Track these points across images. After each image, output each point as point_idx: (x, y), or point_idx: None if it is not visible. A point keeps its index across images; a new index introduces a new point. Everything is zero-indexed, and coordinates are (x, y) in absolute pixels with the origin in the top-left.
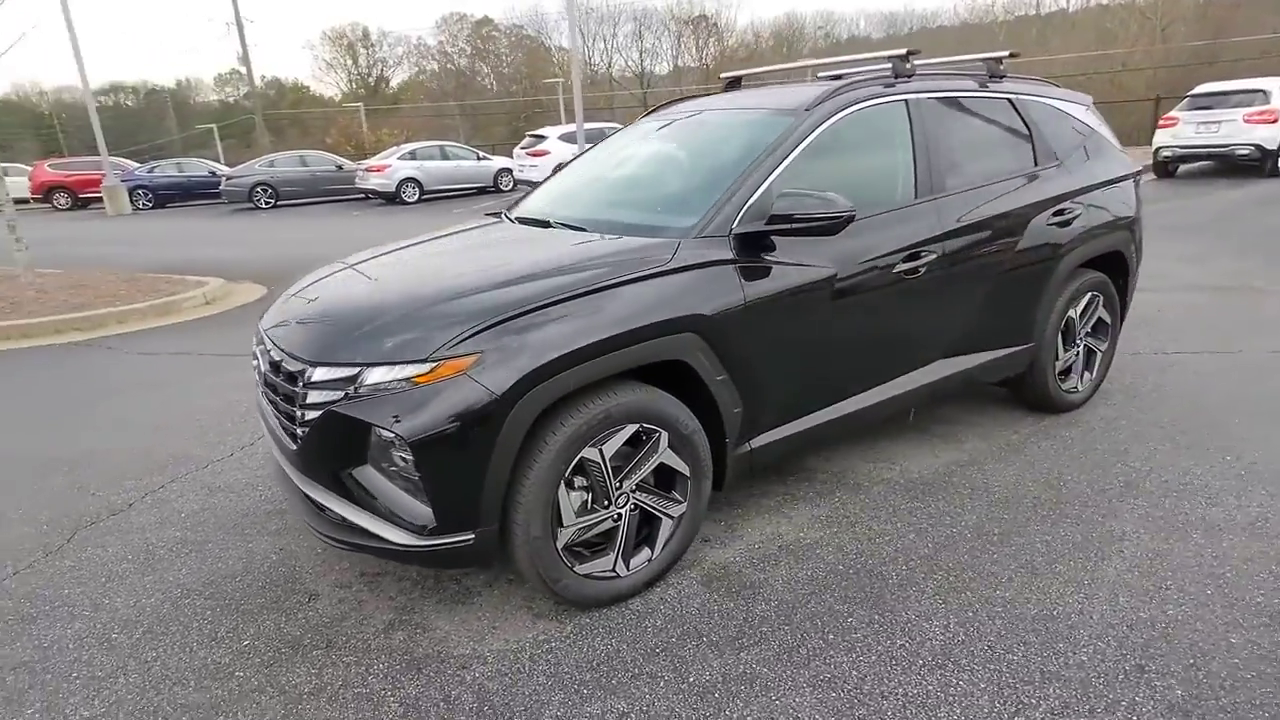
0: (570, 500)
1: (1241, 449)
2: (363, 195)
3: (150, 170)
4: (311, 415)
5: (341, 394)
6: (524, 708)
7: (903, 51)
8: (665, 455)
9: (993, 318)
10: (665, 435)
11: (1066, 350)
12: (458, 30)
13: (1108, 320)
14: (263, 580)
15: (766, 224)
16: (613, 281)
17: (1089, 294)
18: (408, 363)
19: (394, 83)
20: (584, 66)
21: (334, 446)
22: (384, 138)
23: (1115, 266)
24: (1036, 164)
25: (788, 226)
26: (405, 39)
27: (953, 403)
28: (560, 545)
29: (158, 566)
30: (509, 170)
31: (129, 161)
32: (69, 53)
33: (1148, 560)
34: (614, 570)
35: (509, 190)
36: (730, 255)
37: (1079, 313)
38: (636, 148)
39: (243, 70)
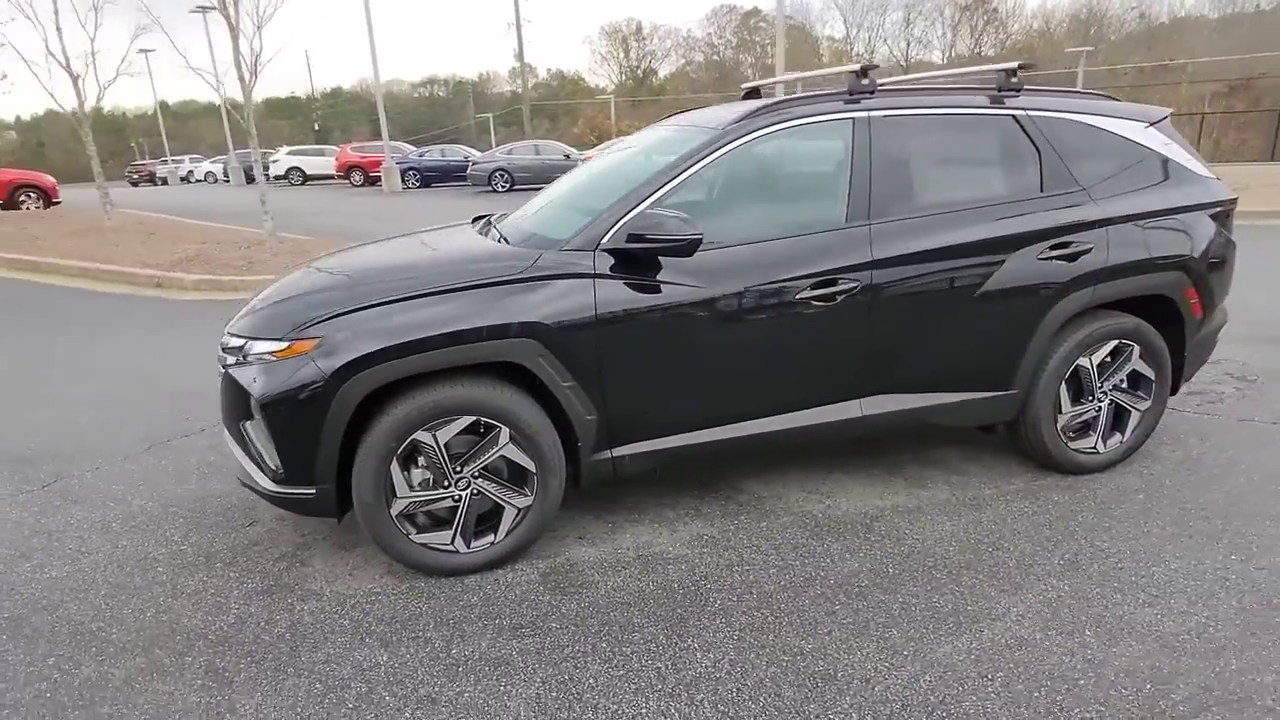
0: (409, 475)
1: (1258, 553)
2: None
3: (420, 155)
4: (221, 373)
5: (234, 359)
6: (314, 640)
7: (858, 67)
8: (507, 449)
9: (951, 357)
10: (506, 430)
11: (1079, 404)
12: (725, 22)
13: (1150, 375)
14: (234, 504)
15: (626, 242)
16: (457, 286)
17: (1113, 342)
18: (272, 339)
19: (661, 74)
20: (847, 55)
21: (230, 401)
22: (624, 129)
23: (1165, 313)
24: (1043, 189)
25: (639, 246)
26: (674, 32)
27: (960, 445)
28: (394, 513)
29: (185, 481)
30: None
31: (408, 146)
32: (400, 50)
33: (999, 649)
34: (452, 545)
35: None
36: (589, 269)
37: (1096, 363)
38: (597, 162)
39: (529, 65)
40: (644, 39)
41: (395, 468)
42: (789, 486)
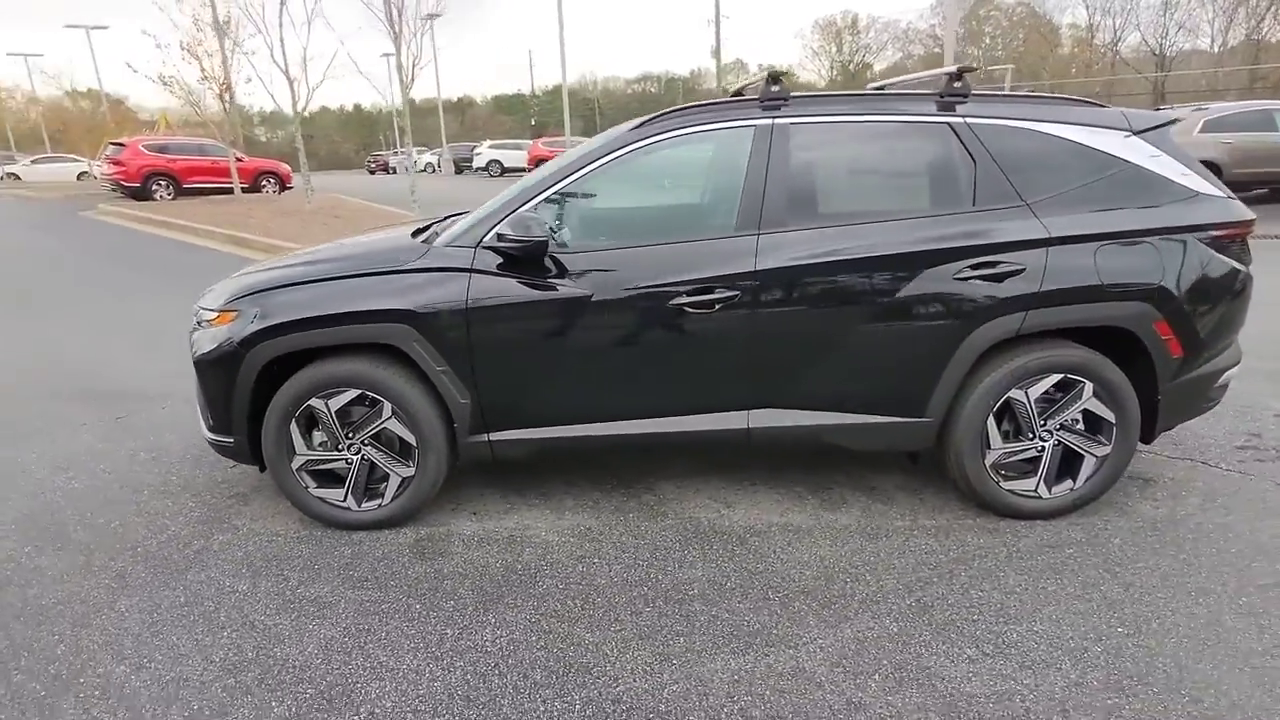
0: (310, 436)
1: (1148, 630)
2: None
3: None
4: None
5: (195, 322)
6: (204, 563)
7: (768, 75)
8: (390, 423)
9: (850, 377)
10: (388, 405)
11: (1015, 441)
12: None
13: (1108, 418)
14: None
15: (497, 241)
16: (351, 274)
17: (1056, 375)
18: (210, 310)
19: (876, 68)
20: (1086, 45)
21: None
22: None
23: (1130, 348)
24: (974, 203)
25: (502, 246)
26: (893, 24)
27: (908, 474)
28: (294, 467)
29: None
30: None
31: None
32: (618, 47)
33: (767, 675)
34: (345, 503)
35: None
36: (467, 264)
37: (1035, 397)
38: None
39: (739, 61)
40: (859, 32)
41: (295, 428)
42: (699, 493)
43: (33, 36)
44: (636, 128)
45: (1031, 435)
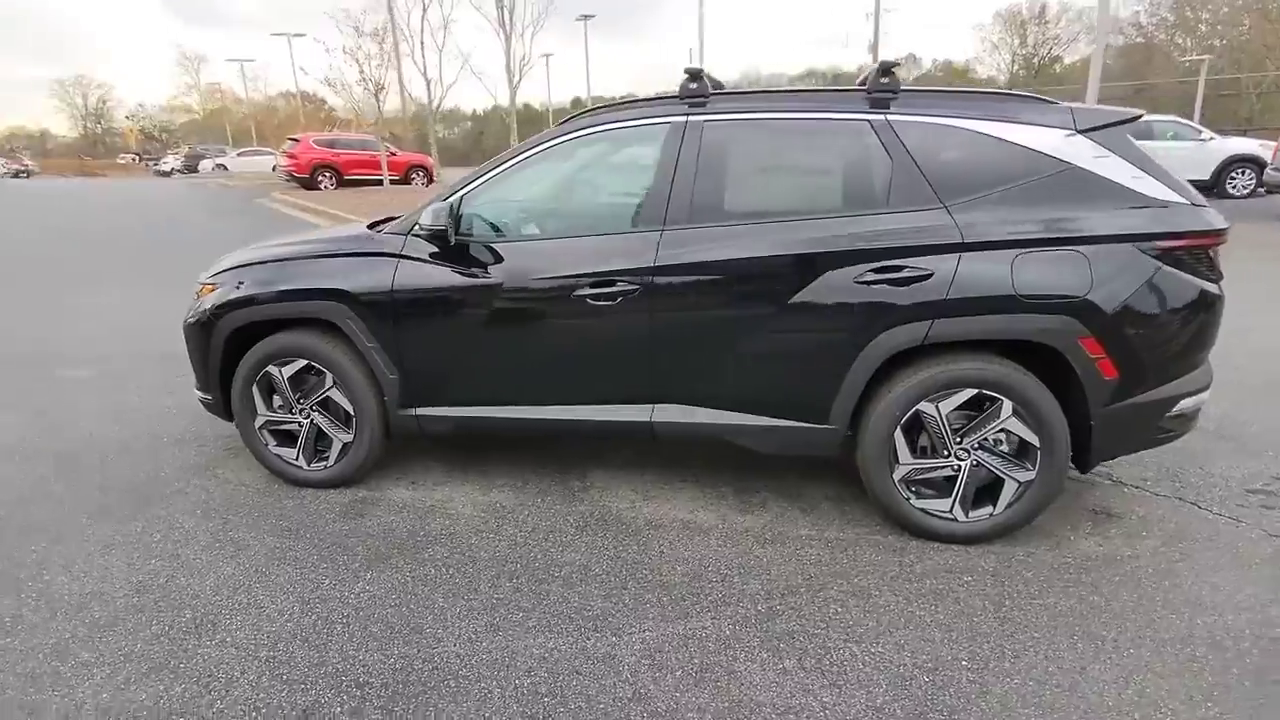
0: (270, 399)
1: (1004, 667)
2: None
3: None
4: None
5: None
6: (171, 503)
7: (685, 71)
8: (331, 392)
9: (750, 378)
10: (329, 376)
11: (927, 458)
12: None
13: (1034, 442)
14: None
15: (419, 230)
16: (303, 255)
17: (969, 391)
18: (202, 283)
19: (1066, 61)
20: None
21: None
22: None
23: (1059, 365)
24: (888, 203)
25: (419, 234)
26: (1087, 12)
27: (842, 480)
28: (256, 426)
29: None
30: None
31: None
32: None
33: (561, 656)
34: (297, 461)
35: None
36: (397, 250)
37: (946, 412)
38: None
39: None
40: (1047, 22)
41: (256, 391)
42: (626, 484)
43: (244, 44)
44: (562, 123)
45: (946, 453)
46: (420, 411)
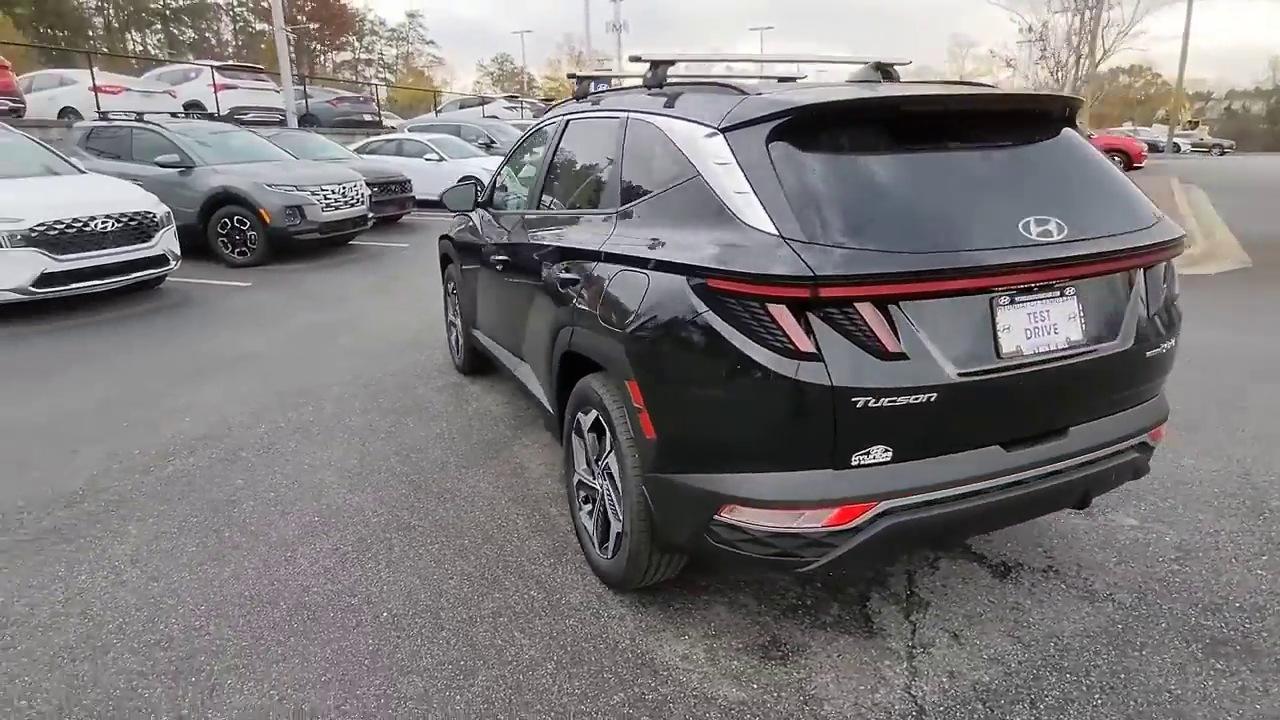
0: None
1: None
2: None
3: None
4: None
5: None
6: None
7: (568, 76)
8: None
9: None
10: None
11: (590, 471)
12: None
13: (614, 474)
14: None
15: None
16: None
17: (592, 410)
18: None
19: None
20: None
21: None
22: None
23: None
24: (599, 204)
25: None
26: None
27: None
28: None
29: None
30: None
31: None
32: None
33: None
34: None
35: None
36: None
37: (585, 427)
38: None
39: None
40: None
41: None
42: (548, 465)
43: None
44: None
45: (591, 478)
46: (476, 332)
